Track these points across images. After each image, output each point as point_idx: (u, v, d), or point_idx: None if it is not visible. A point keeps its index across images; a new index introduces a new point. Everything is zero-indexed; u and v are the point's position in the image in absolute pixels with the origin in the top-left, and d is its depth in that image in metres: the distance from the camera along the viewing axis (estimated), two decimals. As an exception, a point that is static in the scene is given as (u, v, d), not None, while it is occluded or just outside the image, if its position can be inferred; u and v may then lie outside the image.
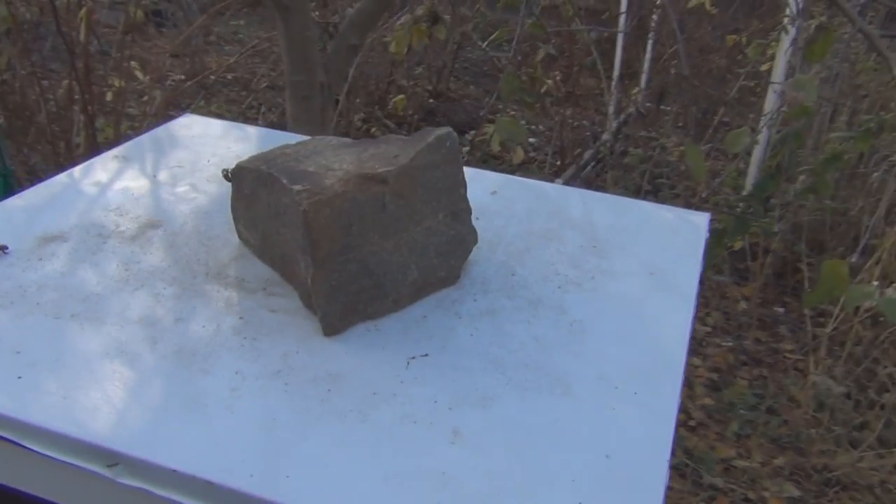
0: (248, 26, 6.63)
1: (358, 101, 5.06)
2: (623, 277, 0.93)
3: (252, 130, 1.28)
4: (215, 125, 1.28)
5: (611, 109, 4.27)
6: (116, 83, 3.64)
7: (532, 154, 4.83)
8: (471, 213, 0.92)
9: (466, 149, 4.35)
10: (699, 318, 3.31)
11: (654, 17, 4.21)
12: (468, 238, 0.92)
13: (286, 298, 0.85)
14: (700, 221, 1.07)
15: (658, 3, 3.83)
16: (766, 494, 2.36)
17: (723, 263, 3.19)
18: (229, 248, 0.93)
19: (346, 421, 0.69)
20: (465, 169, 1.09)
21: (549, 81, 4.93)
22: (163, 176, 1.10)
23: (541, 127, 5.07)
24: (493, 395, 0.73)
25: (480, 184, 1.13)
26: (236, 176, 0.89)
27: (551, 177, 4.16)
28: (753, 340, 3.15)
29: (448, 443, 0.67)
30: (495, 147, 3.34)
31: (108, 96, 3.36)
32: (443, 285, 0.89)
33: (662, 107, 4.54)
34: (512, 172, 4.53)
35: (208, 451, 0.65)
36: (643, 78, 4.53)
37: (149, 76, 4.57)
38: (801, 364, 3.03)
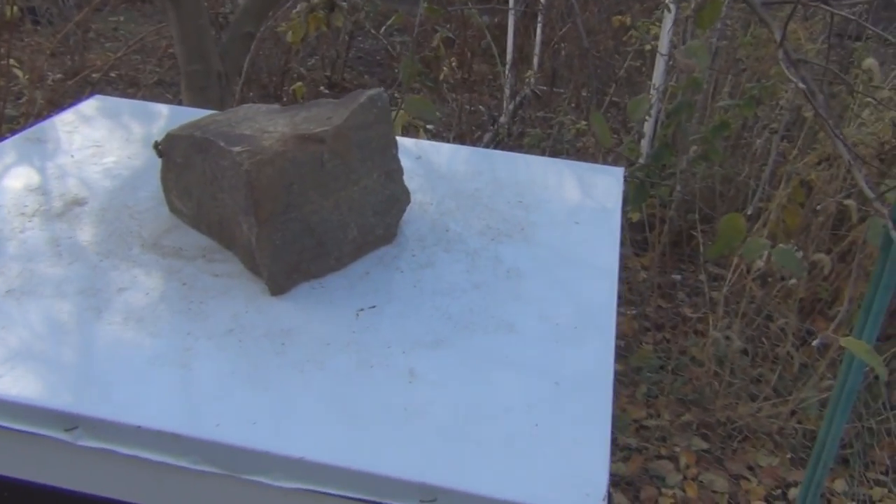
0: (128, 22, 6.40)
1: (251, 93, 4.98)
2: (551, 227, 0.97)
3: (162, 108, 1.27)
4: (124, 104, 1.26)
5: (506, 92, 4.36)
6: (-4, 82, 3.47)
7: (433, 140, 4.85)
8: (402, 173, 0.95)
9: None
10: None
11: (542, 0, 4.32)
12: (402, 197, 0.94)
13: (227, 264, 0.85)
14: (616, 173, 1.12)
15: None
16: (677, 450, 2.49)
17: (622, 235, 3.31)
18: (161, 220, 0.92)
19: (304, 371, 0.70)
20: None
21: (445, 68, 4.99)
22: (80, 155, 1.07)
23: (438, 113, 5.10)
24: (443, 338, 0.76)
25: (404, 151, 1.15)
26: (167, 145, 0.88)
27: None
28: (655, 307, 3.29)
29: (406, 382, 0.69)
30: (398, 130, 3.35)
31: (-11, 97, 3.19)
32: (381, 243, 0.91)
33: (555, 89, 4.66)
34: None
35: (170, 406, 0.65)
36: (535, 61, 4.64)
37: (26, 76, 4.37)
38: (701, 326, 3.19)
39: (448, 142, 4.61)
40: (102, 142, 1.11)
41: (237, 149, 0.78)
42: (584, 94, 4.28)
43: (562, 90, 4.57)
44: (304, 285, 0.83)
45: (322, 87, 5.56)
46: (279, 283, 0.80)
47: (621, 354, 3.03)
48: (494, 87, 4.88)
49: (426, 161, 1.13)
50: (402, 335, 0.76)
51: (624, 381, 2.89)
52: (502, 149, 4.37)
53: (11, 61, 4.07)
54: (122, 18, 6.25)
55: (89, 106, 1.24)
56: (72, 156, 1.07)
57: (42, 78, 4.58)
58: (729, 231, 1.53)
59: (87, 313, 0.76)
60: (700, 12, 1.39)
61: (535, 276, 0.87)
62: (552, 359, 0.74)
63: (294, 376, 0.70)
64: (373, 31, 4.49)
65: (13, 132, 1.19)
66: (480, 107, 5.18)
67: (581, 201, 1.04)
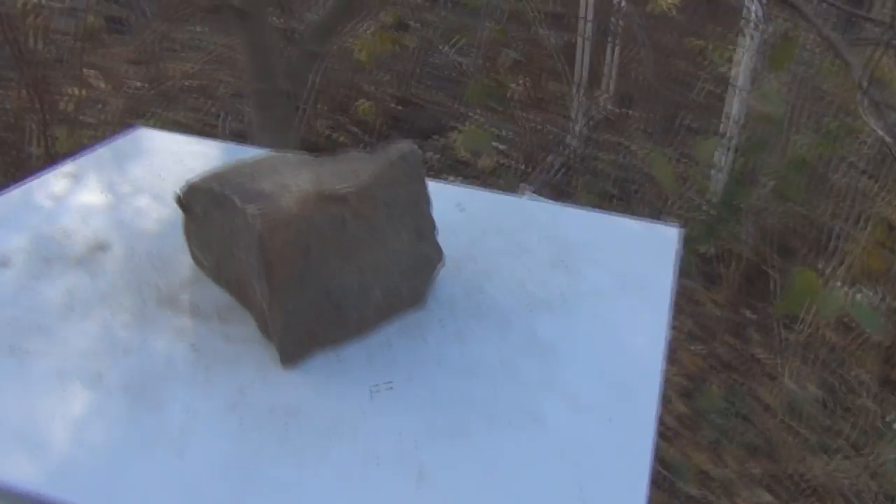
0: (209, 33, 6.53)
1: (323, 108, 5.00)
2: (593, 296, 0.89)
3: (208, 145, 1.23)
4: (166, 139, 1.23)
5: (577, 114, 4.26)
6: (74, 91, 3.55)
7: (501, 160, 4.80)
8: (435, 231, 0.88)
9: (434, 154, 4.30)
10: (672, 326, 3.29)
11: (619, 21, 4.21)
12: (433, 257, 0.88)
13: (243, 326, 0.80)
14: (670, 234, 1.04)
15: (621, 7, 3.83)
16: (740, 502, 2.35)
17: (690, 268, 3.18)
18: (183, 272, 0.88)
19: (303, 463, 0.64)
20: (429, 182, 1.05)
21: (514, 86, 4.92)
22: (112, 194, 1.04)
23: (509, 133, 5.04)
24: (462, 429, 0.69)
25: (445, 198, 1.09)
26: (188, 195, 0.84)
27: (520, 182, 4.14)
28: (725, 346, 3.14)
29: (413, 485, 0.63)
30: (461, 153, 3.30)
31: (65, 105, 3.28)
32: (408, 307, 0.85)
33: (628, 111, 4.54)
34: (480, 177, 4.51)
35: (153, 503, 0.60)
36: (608, 83, 4.53)
37: (107, 84, 4.47)
38: (772, 369, 3.03)
39: (513, 162, 4.54)
40: (137, 180, 1.08)
41: (252, 208, 0.73)
42: (656, 118, 4.15)
43: (634, 112, 4.44)
44: (319, 355, 0.77)
45: (392, 104, 5.55)
46: (291, 352, 0.75)
47: (686, 395, 2.90)
48: (565, 108, 4.79)
49: (467, 211, 1.06)
50: (416, 422, 0.69)
51: (687, 423, 2.76)
52: (572, 173, 4.27)
53: (92, 71, 4.18)
54: (203, 29, 6.38)
55: (130, 139, 1.21)
56: (103, 194, 1.04)
57: (121, 86, 4.68)
58: (801, 286, 1.43)
59: (87, 379, 0.72)
60: (775, 53, 1.29)
61: (571, 356, 0.79)
62: (580, 460, 0.66)
63: (290, 471, 0.64)
64: (441, 48, 4.44)
65: (92, 143, 1.16)
66: (551, 127, 5.09)
67: (629, 265, 0.95)
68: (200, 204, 0.83)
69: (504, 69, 3.99)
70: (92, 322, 0.80)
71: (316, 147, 4.51)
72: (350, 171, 0.81)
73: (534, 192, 3.95)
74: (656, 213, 3.46)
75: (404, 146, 0.82)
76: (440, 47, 4.32)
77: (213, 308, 0.82)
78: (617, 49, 4.50)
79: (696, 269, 3.33)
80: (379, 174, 0.79)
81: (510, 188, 4.26)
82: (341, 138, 4.31)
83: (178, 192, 0.84)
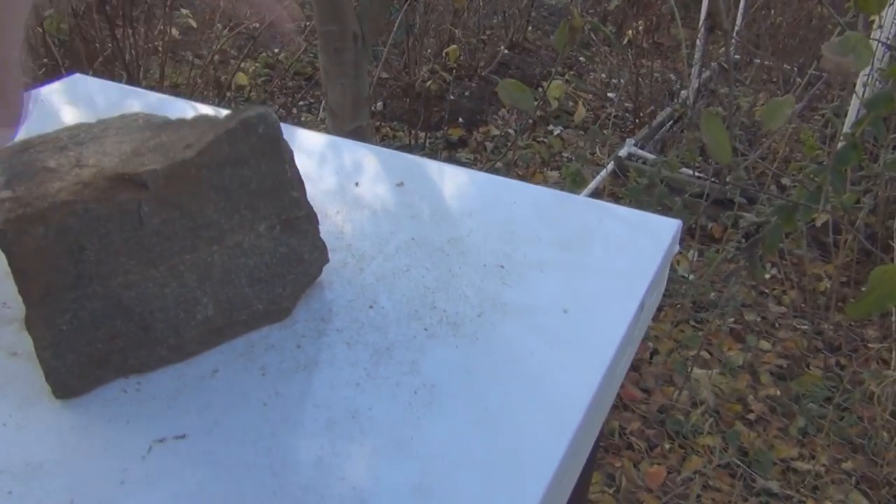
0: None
1: (426, 52, 4.80)
2: (522, 316, 0.67)
3: (142, 95, 1.06)
4: (108, 87, 1.07)
5: (693, 64, 3.86)
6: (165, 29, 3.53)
7: (609, 111, 4.47)
8: (316, 222, 0.68)
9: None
10: (774, 297, 2.96)
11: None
12: (311, 256, 0.67)
13: (43, 335, 0.63)
14: (667, 229, 0.78)
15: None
16: (829, 504, 2.05)
17: (800, 238, 2.81)
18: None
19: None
20: (382, 150, 0.84)
21: (631, 31, 4.54)
22: None
23: (621, 81, 4.69)
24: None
25: (390, 171, 0.88)
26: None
27: (622, 137, 3.81)
28: (833, 325, 2.78)
29: None
30: (553, 103, 3.04)
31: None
32: (263, 322, 0.65)
33: (754, 60, 4.09)
34: (576, 130, 4.19)
35: None
36: (733, 28, 4.08)
37: (219, 24, 4.45)
38: (884, 354, 2.66)
39: (627, 113, 4.20)
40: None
41: (5, 195, 0.55)
42: (785, 67, 3.70)
43: (759, 61, 3.98)
44: (115, 383, 0.59)
45: (503, 48, 5.29)
46: (66, 382, 0.57)
47: (781, 377, 2.58)
48: (677, 57, 4.37)
49: (408, 189, 0.84)
50: (191, 499, 0.50)
51: (778, 409, 2.45)
52: (681, 128, 3.90)
53: (185, 11, 4.14)
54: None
55: (61, 87, 1.06)
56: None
57: (237, 25, 4.66)
58: (882, 287, 1.14)
59: None
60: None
61: (452, 406, 0.57)
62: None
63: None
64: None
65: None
66: (669, 75, 4.69)
67: (591, 273, 0.71)
68: None
69: (612, 13, 3.65)
70: None
71: (411, 95, 4.32)
72: (181, 143, 0.61)
73: (636, 147, 3.61)
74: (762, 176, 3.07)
75: (252, 112, 0.61)
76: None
77: (21, 309, 0.65)
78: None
79: (811, 239, 2.96)
80: (205, 151, 0.59)
81: (613, 142, 3.93)
82: (431, 85, 4.10)
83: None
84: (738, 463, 2.21)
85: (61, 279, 0.55)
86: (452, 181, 0.88)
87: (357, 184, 0.86)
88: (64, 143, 0.63)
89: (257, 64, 4.29)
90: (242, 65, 3.88)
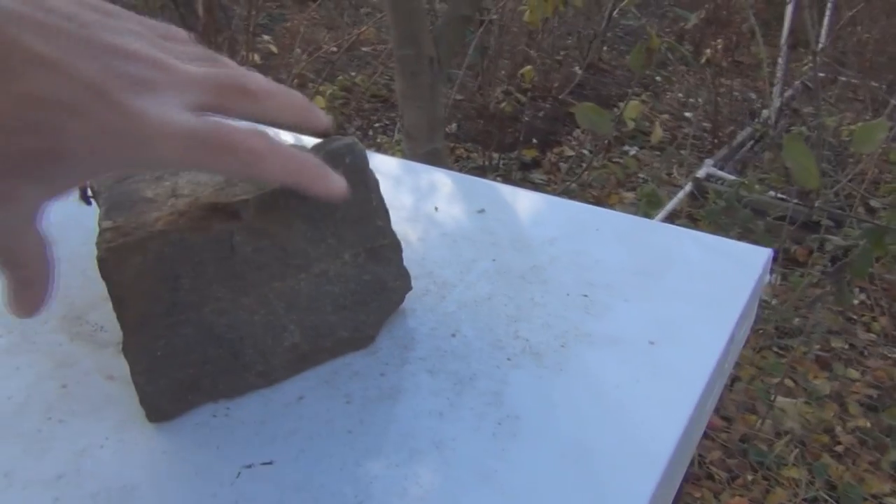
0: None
1: (499, 74, 4.82)
2: (607, 347, 0.66)
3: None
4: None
5: (775, 83, 3.77)
6: (246, 55, 3.61)
7: (686, 130, 4.40)
8: (399, 250, 0.68)
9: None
10: (863, 323, 2.85)
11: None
12: (394, 283, 0.68)
13: (137, 359, 0.65)
14: (758, 258, 0.76)
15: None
16: (918, 548, 1.96)
17: (891, 262, 2.71)
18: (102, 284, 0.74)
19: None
20: (462, 176, 0.85)
21: (709, 50, 4.47)
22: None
23: (698, 100, 4.61)
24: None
25: (469, 198, 0.88)
26: (95, 188, 0.69)
27: (700, 158, 3.74)
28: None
29: None
30: (630, 124, 3.01)
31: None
32: (348, 349, 0.66)
33: (840, 78, 3.97)
34: (652, 151, 4.13)
35: None
36: (817, 45, 3.97)
37: (297, 49, 4.56)
38: None
39: (689, 135, 4.11)
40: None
41: (106, 224, 0.57)
42: (872, 85, 3.57)
43: (846, 79, 3.86)
44: (204, 408, 0.60)
45: (578, 69, 5.26)
46: (159, 406, 0.59)
47: (871, 408, 2.48)
48: (758, 76, 4.27)
49: (489, 216, 0.84)
50: None
51: (869, 442, 2.36)
52: (762, 148, 3.81)
53: (266, 37, 4.25)
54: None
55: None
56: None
57: (316, 50, 4.77)
58: None
59: (-77, 421, 0.59)
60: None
61: (542, 436, 0.57)
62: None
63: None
64: (633, 11, 4.10)
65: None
66: (748, 94, 4.59)
67: (678, 304, 0.70)
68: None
69: (689, 31, 3.59)
70: (-22, 341, 0.68)
71: (485, 116, 4.33)
72: (271, 172, 0.62)
73: (715, 167, 3.54)
74: (849, 198, 2.97)
75: (340, 142, 0.63)
76: (631, 9, 3.98)
77: (118, 334, 0.68)
78: (830, 3, 3.94)
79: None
80: (294, 179, 0.60)
81: (691, 162, 3.86)
82: (507, 108, 4.10)
83: (86, 188, 0.70)
84: (826, 497, 2.13)
85: (157, 306, 0.57)
86: (532, 207, 0.88)
87: (436, 208, 0.86)
88: (160, 173, 0.65)
89: (334, 87, 4.37)
90: (320, 88, 3.96)
